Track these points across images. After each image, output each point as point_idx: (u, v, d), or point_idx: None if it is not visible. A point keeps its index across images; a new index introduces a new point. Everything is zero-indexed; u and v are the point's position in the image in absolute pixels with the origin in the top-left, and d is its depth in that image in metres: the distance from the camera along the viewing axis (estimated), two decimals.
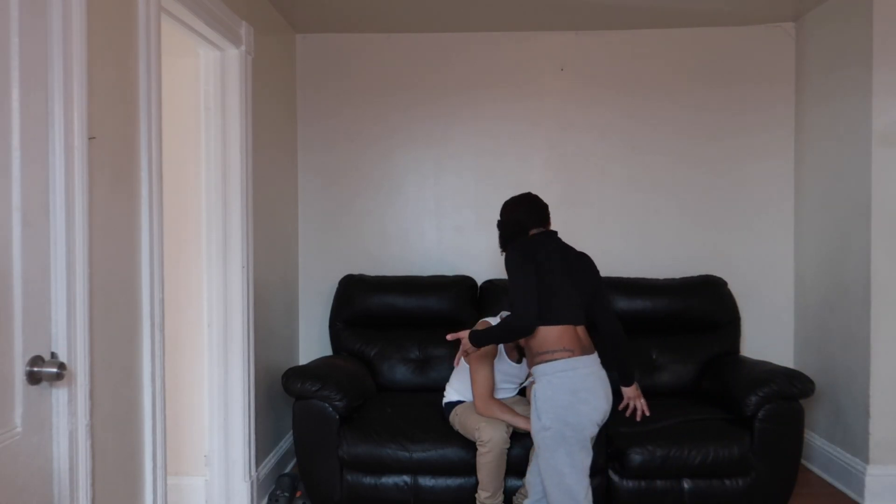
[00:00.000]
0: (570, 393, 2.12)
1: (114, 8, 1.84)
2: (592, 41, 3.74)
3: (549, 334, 2.18)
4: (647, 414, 2.56)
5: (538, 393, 2.17)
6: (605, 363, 2.33)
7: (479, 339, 2.36)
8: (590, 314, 2.37)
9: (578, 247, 3.67)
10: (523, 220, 2.44)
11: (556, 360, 2.15)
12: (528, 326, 2.19)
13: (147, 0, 1.98)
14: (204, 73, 2.80)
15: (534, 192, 3.78)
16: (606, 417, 2.22)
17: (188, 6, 2.29)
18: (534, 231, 2.43)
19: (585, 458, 2.16)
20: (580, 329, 2.26)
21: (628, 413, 2.57)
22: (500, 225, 2.51)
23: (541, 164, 3.78)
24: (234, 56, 2.82)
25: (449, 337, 2.48)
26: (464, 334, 2.42)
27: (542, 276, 2.20)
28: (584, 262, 2.41)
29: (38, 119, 1.51)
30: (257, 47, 3.03)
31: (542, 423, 2.15)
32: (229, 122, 2.84)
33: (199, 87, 2.81)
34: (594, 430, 2.18)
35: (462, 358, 2.55)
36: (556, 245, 2.35)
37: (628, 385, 2.54)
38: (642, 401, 2.56)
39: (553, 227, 3.71)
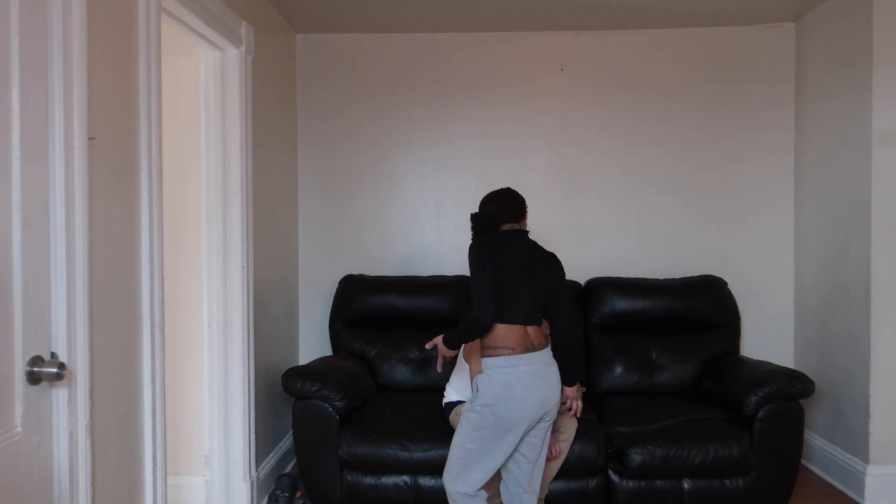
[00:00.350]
0: (504, 388, 2.23)
1: (114, 8, 1.84)
2: (592, 41, 3.74)
3: (496, 331, 2.28)
4: (578, 416, 2.65)
5: (478, 381, 2.30)
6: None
7: (450, 342, 2.42)
8: (547, 315, 2.40)
9: (579, 247, 3.71)
10: (496, 214, 2.47)
11: (497, 356, 2.26)
12: (485, 325, 2.28)
13: (147, 0, 1.98)
14: (204, 73, 2.80)
15: (534, 191, 3.81)
16: (551, 415, 2.36)
17: (188, 6, 2.29)
18: (505, 227, 2.45)
19: (498, 454, 2.27)
20: (531, 328, 2.32)
21: (563, 409, 2.60)
22: (473, 217, 2.51)
23: (541, 164, 3.78)
24: (234, 56, 2.82)
25: (427, 346, 2.55)
26: (438, 339, 2.48)
27: (498, 274, 2.27)
28: (548, 264, 2.42)
29: (38, 119, 1.51)
30: (257, 47, 3.03)
31: (472, 405, 2.30)
32: (229, 122, 2.84)
33: (199, 87, 2.81)
34: (520, 430, 2.26)
35: (444, 361, 2.55)
36: (520, 244, 2.38)
37: (570, 385, 2.55)
38: (579, 403, 2.59)
39: (553, 226, 3.74)
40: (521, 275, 2.31)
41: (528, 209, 2.44)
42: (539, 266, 2.38)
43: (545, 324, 2.41)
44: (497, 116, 3.78)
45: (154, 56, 2.01)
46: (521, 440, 2.31)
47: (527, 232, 2.48)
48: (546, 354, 2.33)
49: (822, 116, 3.39)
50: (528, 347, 2.28)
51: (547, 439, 2.42)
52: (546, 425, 2.38)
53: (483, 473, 2.30)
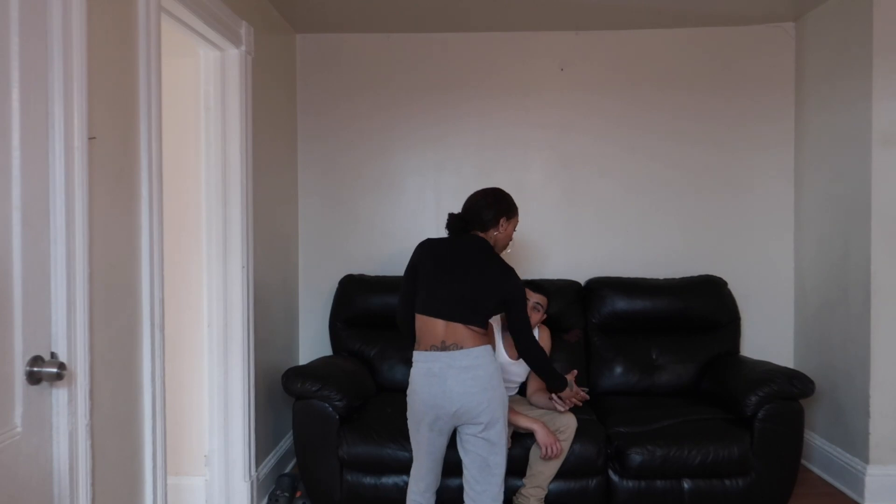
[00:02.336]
0: (411, 381, 2.35)
1: (114, 8, 1.84)
2: (592, 41, 3.73)
3: (416, 323, 2.36)
4: (561, 410, 2.71)
5: None
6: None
7: None
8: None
9: (579, 247, 3.71)
10: (455, 221, 2.45)
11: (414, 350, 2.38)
12: (399, 323, 2.46)
13: (147, 0, 1.98)
14: (204, 73, 2.80)
15: (534, 191, 3.81)
16: (471, 421, 2.24)
17: (188, 6, 2.29)
18: (472, 232, 2.43)
19: (419, 446, 2.35)
20: (453, 326, 2.26)
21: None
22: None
23: (541, 164, 3.78)
24: (234, 56, 2.82)
25: None
26: None
27: (418, 275, 2.38)
28: (487, 273, 2.33)
29: (38, 119, 1.51)
30: (257, 47, 3.03)
31: None
32: (229, 122, 2.84)
33: (199, 87, 2.81)
34: (425, 426, 2.29)
35: None
36: (452, 247, 2.38)
37: (554, 391, 2.60)
38: (563, 402, 2.69)
39: (553, 226, 3.73)
40: (441, 274, 2.33)
41: (527, 210, 2.38)
42: (469, 270, 2.32)
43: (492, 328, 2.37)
44: (497, 116, 3.77)
45: (154, 56, 2.01)
46: (443, 441, 2.33)
47: (472, 238, 2.40)
48: (456, 356, 2.24)
49: (822, 116, 3.39)
50: (433, 346, 2.27)
51: (490, 455, 2.26)
52: (475, 434, 2.25)
53: (419, 467, 2.38)
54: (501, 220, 2.43)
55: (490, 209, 2.42)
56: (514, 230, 2.51)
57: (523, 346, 2.42)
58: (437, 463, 2.39)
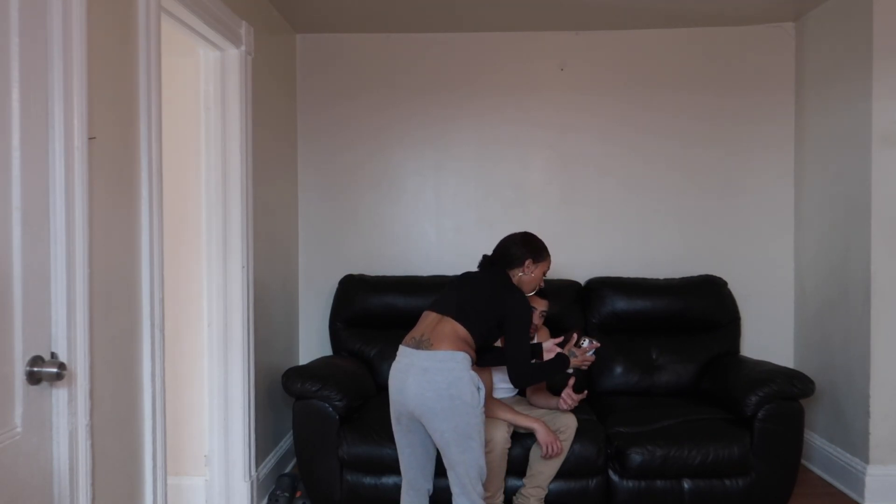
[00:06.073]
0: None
1: (114, 8, 1.84)
2: (592, 41, 3.73)
3: None
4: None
5: None
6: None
7: None
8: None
9: (579, 247, 3.72)
10: (493, 258, 2.57)
11: None
12: None
13: (147, 0, 1.98)
14: (204, 73, 2.80)
15: (534, 191, 3.82)
16: (426, 421, 2.20)
17: (188, 6, 2.29)
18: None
19: (395, 435, 2.35)
20: (441, 326, 2.27)
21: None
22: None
23: (540, 164, 3.78)
24: (234, 56, 2.82)
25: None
26: None
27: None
28: (490, 283, 2.42)
29: (38, 119, 1.51)
30: (257, 47, 3.03)
31: None
32: (229, 123, 2.84)
33: (199, 87, 2.81)
34: (397, 419, 2.30)
35: None
36: (471, 275, 2.53)
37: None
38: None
39: (553, 226, 3.74)
40: (455, 285, 2.44)
41: (527, 210, 2.44)
42: (479, 283, 2.43)
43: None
44: (497, 117, 3.77)
45: (154, 56, 2.01)
46: (413, 438, 2.30)
47: (496, 270, 2.49)
48: (420, 356, 2.22)
49: (822, 116, 3.39)
50: (412, 340, 2.30)
51: (450, 454, 2.19)
52: (432, 431, 2.21)
53: (402, 459, 2.36)
54: (528, 262, 2.48)
55: (518, 247, 2.49)
56: (544, 275, 2.56)
57: (516, 375, 2.36)
58: (415, 459, 2.33)
